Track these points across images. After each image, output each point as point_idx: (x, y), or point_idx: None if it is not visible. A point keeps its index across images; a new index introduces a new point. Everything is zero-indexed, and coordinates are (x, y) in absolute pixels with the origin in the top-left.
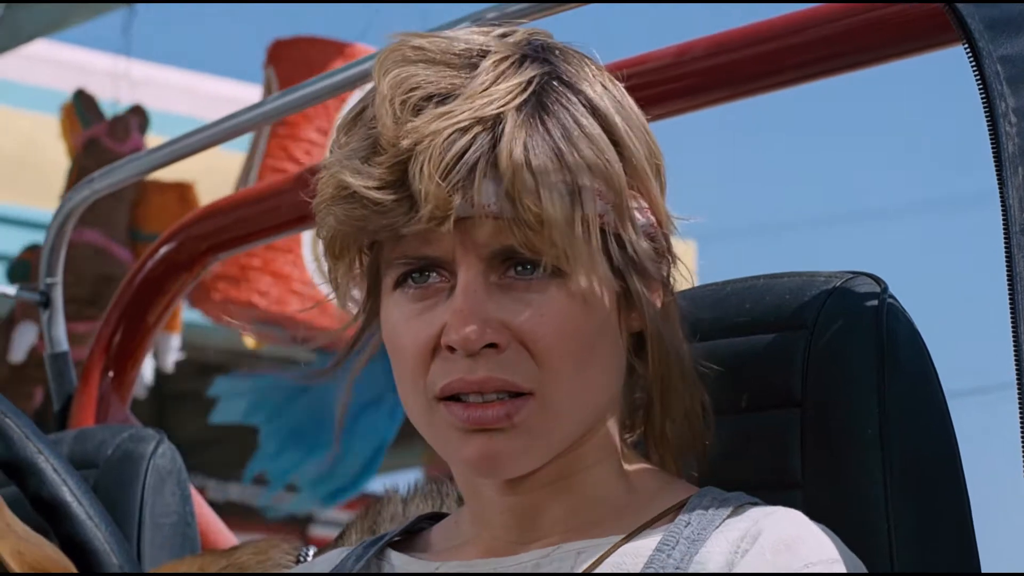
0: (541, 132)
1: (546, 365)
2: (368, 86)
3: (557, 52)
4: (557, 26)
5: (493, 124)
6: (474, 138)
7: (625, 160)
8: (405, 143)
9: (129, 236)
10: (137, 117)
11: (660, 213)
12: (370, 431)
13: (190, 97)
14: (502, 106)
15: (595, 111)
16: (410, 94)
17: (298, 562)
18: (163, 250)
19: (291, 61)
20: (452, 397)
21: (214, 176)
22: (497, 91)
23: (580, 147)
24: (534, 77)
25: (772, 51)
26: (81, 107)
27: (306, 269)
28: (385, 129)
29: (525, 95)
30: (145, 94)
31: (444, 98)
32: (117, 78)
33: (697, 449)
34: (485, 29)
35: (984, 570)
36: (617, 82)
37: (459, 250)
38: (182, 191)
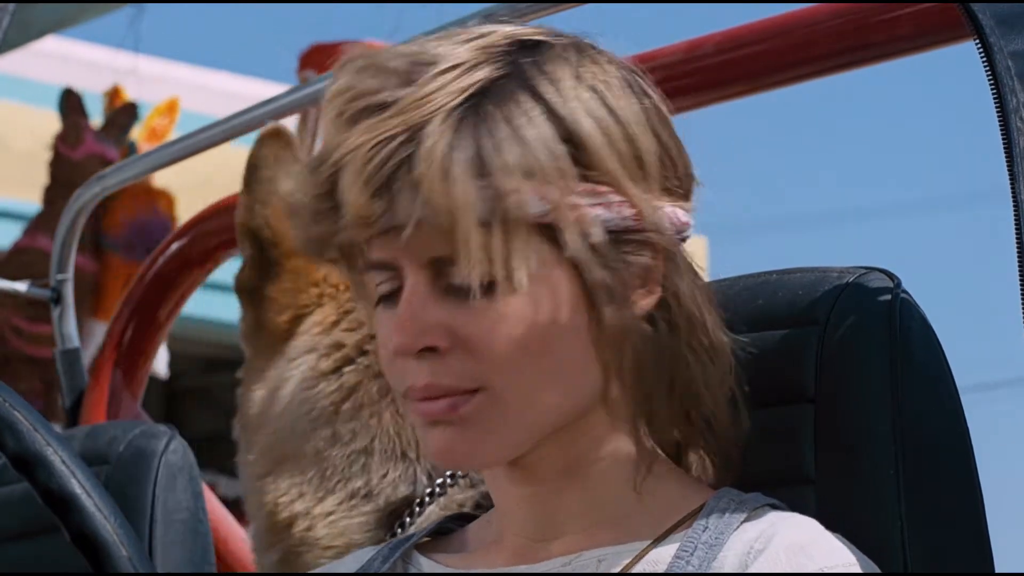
0: (465, 136)
1: (489, 364)
2: None
3: (536, 52)
4: (564, 22)
5: (418, 131)
6: (398, 147)
7: (587, 157)
8: (336, 155)
9: (93, 243)
10: (124, 117)
11: (641, 206)
12: None
13: (200, 93)
14: (430, 113)
15: (550, 111)
16: (348, 105)
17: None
18: (175, 246)
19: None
20: None
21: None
22: (431, 99)
23: (506, 149)
24: (478, 82)
25: (783, 47)
26: (63, 105)
27: None
28: (326, 141)
29: (458, 100)
30: (154, 90)
31: (381, 108)
32: (125, 74)
33: (722, 451)
34: (465, 34)
35: (998, 567)
36: (613, 80)
37: (403, 258)
38: (151, 200)
